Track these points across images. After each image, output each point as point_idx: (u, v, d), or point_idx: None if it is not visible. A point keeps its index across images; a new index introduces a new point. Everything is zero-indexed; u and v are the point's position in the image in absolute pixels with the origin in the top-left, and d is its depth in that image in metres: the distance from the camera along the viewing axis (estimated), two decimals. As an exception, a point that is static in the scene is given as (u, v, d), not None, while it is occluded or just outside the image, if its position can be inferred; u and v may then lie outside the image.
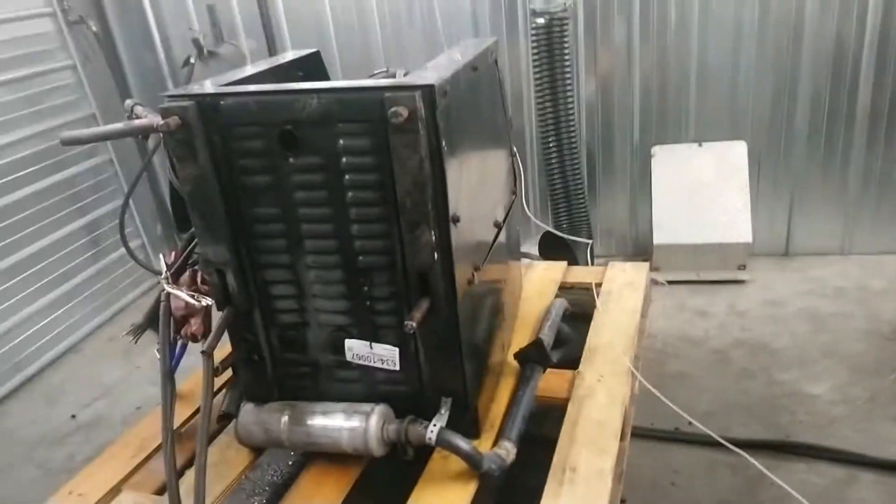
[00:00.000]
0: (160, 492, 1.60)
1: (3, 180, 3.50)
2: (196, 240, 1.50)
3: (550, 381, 1.75)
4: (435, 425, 1.44)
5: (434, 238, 1.30)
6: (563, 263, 2.37)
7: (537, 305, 2.10)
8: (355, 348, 1.48)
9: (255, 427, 1.56)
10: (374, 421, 1.46)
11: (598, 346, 1.87)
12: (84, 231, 3.99)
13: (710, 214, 3.63)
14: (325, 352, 1.52)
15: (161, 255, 1.55)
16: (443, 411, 1.48)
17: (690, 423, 2.44)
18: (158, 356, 1.50)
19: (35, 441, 3.10)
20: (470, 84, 1.46)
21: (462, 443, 1.43)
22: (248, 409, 1.58)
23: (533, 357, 1.76)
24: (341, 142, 1.30)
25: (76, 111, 3.95)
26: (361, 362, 1.49)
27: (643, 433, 2.63)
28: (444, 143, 1.26)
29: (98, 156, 4.07)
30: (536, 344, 1.75)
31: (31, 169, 3.64)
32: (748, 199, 3.60)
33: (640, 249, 4.02)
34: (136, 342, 1.63)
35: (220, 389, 1.78)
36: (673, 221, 3.66)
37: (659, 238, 3.66)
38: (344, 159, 1.31)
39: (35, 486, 2.81)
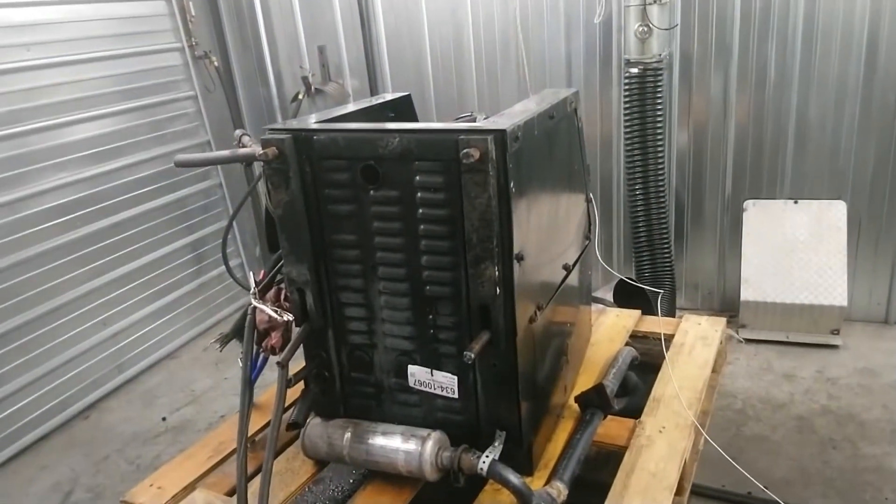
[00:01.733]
0: (230, 493, 1.71)
1: (125, 196, 3.84)
2: (282, 260, 1.62)
3: (610, 428, 1.76)
4: (487, 456, 1.48)
5: (497, 273, 1.37)
6: (637, 312, 2.37)
7: (606, 351, 2.11)
8: (417, 374, 1.55)
9: (320, 441, 1.65)
10: (429, 446, 1.52)
11: (662, 398, 1.86)
12: (190, 248, 4.30)
13: (803, 274, 3.50)
14: (390, 374, 1.60)
15: (251, 273, 1.69)
16: (496, 444, 1.52)
17: (765, 489, 2.36)
18: (241, 364, 1.62)
19: (129, 438, 3.34)
20: (545, 131, 1.53)
21: (512, 476, 1.46)
22: (314, 423, 1.68)
23: (594, 402, 1.77)
24: (417, 178, 1.40)
25: (193, 138, 4.29)
26: (422, 388, 1.56)
27: (713, 494, 2.55)
28: (512, 185, 1.33)
29: (208, 179, 4.39)
30: (598, 389, 1.76)
31: (149, 188, 3.98)
32: (845, 261, 3.45)
33: (728, 305, 3.91)
34: (221, 350, 1.78)
35: (292, 404, 1.89)
36: (763, 278, 3.55)
37: (747, 294, 3.55)
38: (419, 194, 1.41)
39: (125, 479, 3.02)
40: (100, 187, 3.73)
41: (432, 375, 1.54)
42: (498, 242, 1.35)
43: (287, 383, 1.54)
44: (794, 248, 3.54)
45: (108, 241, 3.76)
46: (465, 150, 1.28)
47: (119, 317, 3.83)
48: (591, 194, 1.98)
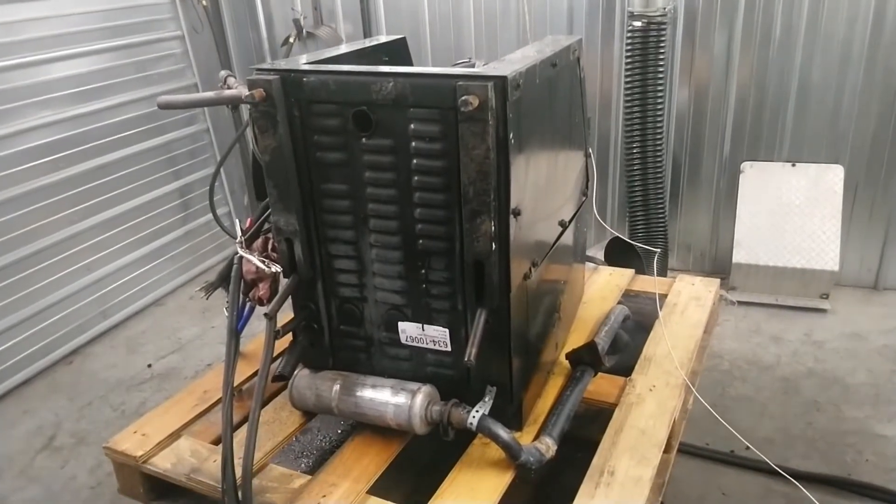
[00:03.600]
0: (216, 442, 1.69)
1: (110, 138, 3.74)
2: (270, 209, 1.57)
3: (601, 386, 1.74)
4: (477, 411, 1.47)
5: (493, 229, 1.32)
6: (630, 271, 2.34)
7: (597, 309, 2.09)
8: (409, 330, 1.52)
9: (308, 392, 1.63)
10: (419, 400, 1.50)
11: (654, 356, 1.84)
12: (177, 194, 4.22)
13: (796, 238, 3.48)
14: (380, 328, 1.57)
15: (237, 221, 1.64)
16: (486, 399, 1.50)
17: (748, 447, 2.38)
18: (227, 313, 1.59)
19: (113, 384, 3.32)
20: (547, 80, 1.47)
21: (502, 431, 1.45)
22: (303, 374, 1.65)
23: (585, 359, 1.75)
24: (412, 126, 1.34)
25: (180, 80, 4.17)
26: (414, 343, 1.54)
27: (697, 451, 2.57)
28: (511, 136, 1.28)
29: (196, 124, 4.28)
30: (589, 346, 1.74)
31: (134, 130, 3.88)
32: (839, 226, 3.44)
33: (719, 267, 3.90)
34: (206, 298, 1.73)
35: (279, 355, 1.86)
36: (756, 241, 3.53)
37: (739, 257, 3.54)
38: (413, 143, 1.35)
39: (109, 425, 3.01)
40: (84, 128, 3.63)
41: (423, 330, 1.51)
42: (495, 196, 1.30)
43: (275, 335, 1.50)
44: (789, 212, 3.51)
45: (92, 184, 3.68)
46: (463, 98, 1.22)
47: (104, 262, 3.77)
48: (590, 149, 1.93)
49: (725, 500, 2.39)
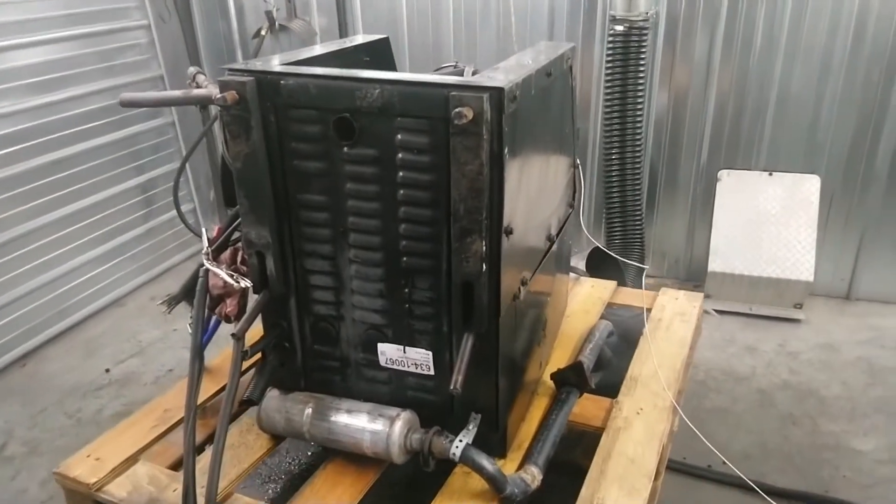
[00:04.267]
0: (176, 466, 1.58)
1: (69, 131, 3.56)
2: (240, 218, 1.46)
3: (586, 408, 1.67)
4: (461, 441, 1.38)
5: (484, 248, 1.24)
6: (613, 283, 2.28)
7: (581, 324, 2.02)
8: (388, 352, 1.43)
9: (278, 415, 1.53)
10: (398, 427, 1.41)
11: (640, 377, 1.78)
12: (139, 190, 4.05)
13: (771, 247, 3.47)
14: (357, 349, 1.47)
15: (205, 230, 1.53)
16: (470, 427, 1.42)
17: (725, 462, 2.34)
18: (190, 331, 1.47)
19: (68, 390, 3.15)
20: (541, 90, 1.39)
21: (487, 463, 1.37)
22: (272, 395, 1.55)
23: (571, 380, 1.68)
24: (399, 136, 1.24)
25: (145, 71, 4.00)
26: (394, 366, 1.44)
27: (674, 466, 2.52)
28: (506, 150, 1.19)
29: (161, 117, 4.11)
30: (576, 367, 1.67)
31: (95, 123, 3.70)
32: (815, 236, 3.43)
33: (693, 275, 3.87)
34: (169, 313, 1.62)
35: (247, 369, 1.75)
36: (731, 250, 3.51)
37: (714, 265, 3.52)
38: (400, 155, 1.26)
39: (64, 434, 2.86)
40: (42, 119, 3.43)
41: (405, 352, 1.42)
42: (487, 215, 1.22)
43: (242, 355, 1.39)
44: (765, 221, 3.50)
45: (50, 178, 3.49)
46: (456, 109, 1.13)
47: (61, 260, 3.59)
48: (577, 159, 1.85)
49: (704, 518, 2.35)
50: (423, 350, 1.40)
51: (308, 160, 1.32)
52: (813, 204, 3.45)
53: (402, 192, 1.28)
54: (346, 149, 1.28)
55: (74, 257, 3.66)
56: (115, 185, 3.87)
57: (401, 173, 1.27)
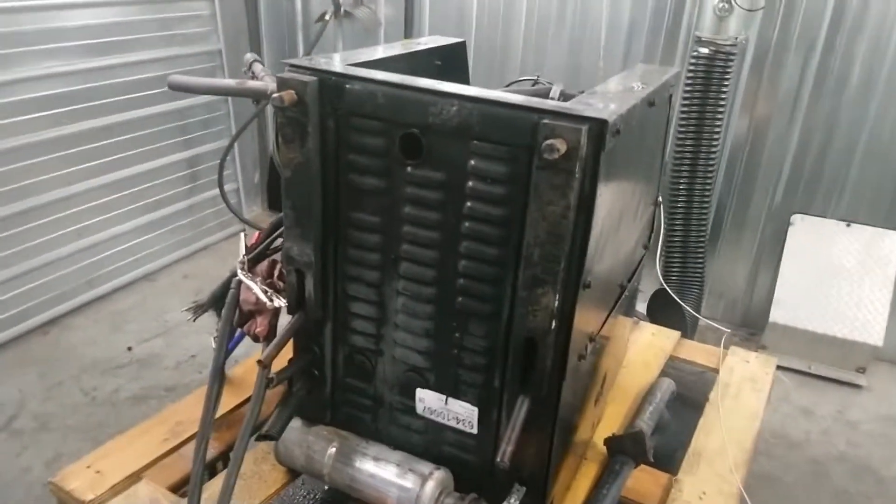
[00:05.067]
0: (181, 485, 1.44)
1: (119, 98, 3.46)
2: (282, 228, 1.30)
3: (640, 481, 1.48)
4: (500, 514, 1.20)
5: (556, 303, 1.05)
6: (676, 334, 2.08)
7: (640, 378, 1.82)
8: (427, 400, 1.26)
9: (298, 449, 1.37)
10: (430, 488, 1.24)
11: (704, 451, 1.58)
12: (185, 164, 3.95)
13: (840, 304, 3.21)
14: (393, 390, 1.31)
15: (243, 235, 1.37)
16: (513, 500, 1.24)
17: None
18: (214, 346, 1.32)
19: (88, 364, 3.06)
20: (640, 122, 1.20)
21: (527, 546, 1.19)
22: (294, 426, 1.39)
23: (627, 449, 1.49)
24: (472, 162, 1.07)
25: (204, 43, 3.89)
26: (431, 417, 1.27)
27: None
28: (599, 193, 1.01)
29: (214, 93, 3.99)
30: (636, 436, 1.47)
31: (147, 92, 3.59)
32: (890, 297, 3.16)
33: (749, 322, 3.62)
34: (194, 321, 1.47)
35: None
36: (796, 301, 3.25)
37: (776, 316, 3.27)
38: (470, 183, 1.08)
39: (76, 411, 2.76)
40: (93, 83, 3.34)
41: (446, 404, 1.24)
42: (566, 265, 1.03)
43: (266, 384, 1.23)
44: (836, 275, 3.24)
45: (95, 144, 3.39)
46: (548, 141, 0.95)
47: (97, 228, 3.50)
48: (660, 197, 1.66)
49: None
50: (468, 404, 1.23)
51: (366, 176, 1.15)
52: (892, 263, 3.18)
53: (467, 224, 1.11)
54: (409, 168, 1.11)
55: (111, 227, 3.57)
56: (160, 157, 3.77)
57: (469, 203, 1.09)
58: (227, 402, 1.61)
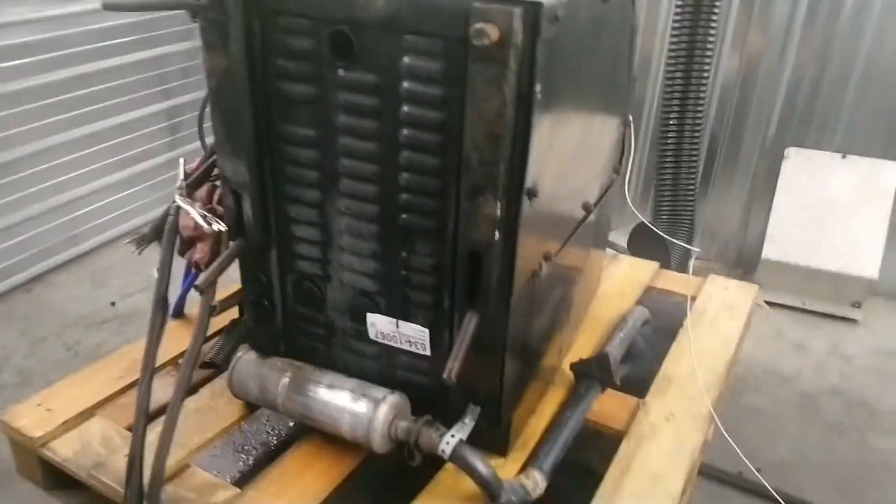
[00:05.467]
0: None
1: (92, 46, 3.35)
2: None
3: (607, 405, 1.44)
4: (453, 436, 1.16)
5: (499, 212, 0.99)
6: (654, 265, 2.01)
7: (614, 307, 1.76)
8: (378, 324, 1.20)
9: (252, 382, 1.32)
10: (382, 412, 1.19)
11: (675, 376, 1.53)
12: (164, 115, 3.85)
13: (835, 238, 3.13)
14: (344, 316, 1.25)
15: (182, 160, 1.31)
16: (466, 420, 1.19)
17: (759, 471, 2.09)
18: (155, 276, 1.27)
19: (72, 320, 3.03)
20: (593, 18, 1.12)
21: (480, 465, 1.14)
22: (248, 358, 1.34)
23: (594, 373, 1.44)
24: (406, 59, 0.99)
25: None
26: (385, 341, 1.22)
27: (700, 469, 2.28)
28: (538, 88, 0.93)
29: (191, 40, 3.88)
30: (600, 359, 1.42)
31: (123, 39, 3.48)
32: (886, 230, 3.08)
33: (743, 261, 3.55)
34: (139, 254, 1.41)
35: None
36: (790, 237, 3.18)
37: (769, 252, 3.20)
38: (405, 84, 1.01)
39: (60, 366, 2.73)
40: (65, 30, 3.22)
41: (398, 327, 1.19)
42: (506, 169, 0.97)
43: (210, 311, 1.18)
44: (831, 208, 3.15)
45: (70, 94, 3.29)
46: (477, 26, 0.87)
47: (77, 182, 3.43)
48: (630, 116, 1.57)
49: (730, 532, 2.12)
50: (419, 326, 1.18)
51: (296, 83, 1.07)
52: (888, 194, 3.09)
53: (405, 131, 1.04)
54: (341, 71, 1.04)
55: (91, 181, 3.50)
56: (139, 107, 3.67)
57: (405, 107, 1.02)
58: (181, 343, 1.56)
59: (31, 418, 1.34)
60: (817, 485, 2.30)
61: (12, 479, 1.49)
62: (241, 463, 1.44)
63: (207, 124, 3.47)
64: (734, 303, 1.82)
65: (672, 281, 1.95)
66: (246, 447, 1.48)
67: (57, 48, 3.19)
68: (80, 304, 3.14)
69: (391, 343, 1.22)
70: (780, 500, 1.78)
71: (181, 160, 1.30)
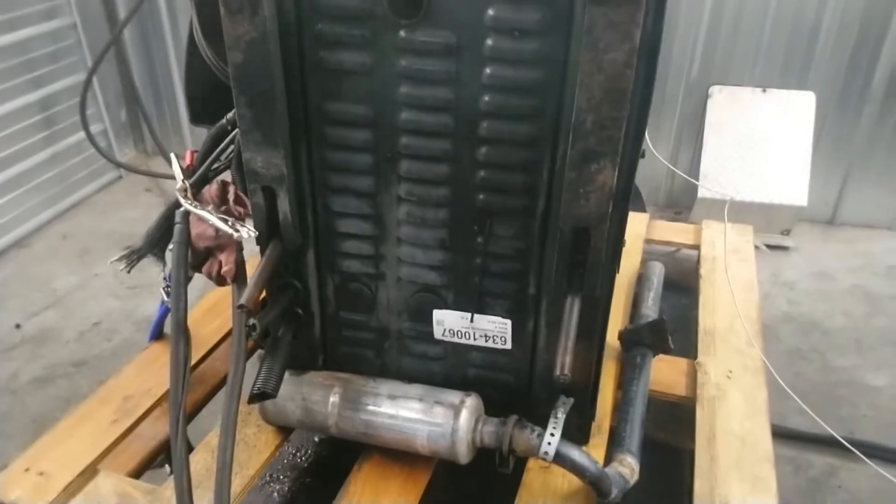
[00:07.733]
0: (142, 470, 1.19)
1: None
2: (231, 137, 1.02)
3: (663, 372, 1.37)
4: (552, 434, 1.04)
5: (615, 180, 0.86)
6: (645, 216, 1.97)
7: (626, 265, 1.69)
8: (447, 321, 1.05)
9: (291, 403, 1.14)
10: (465, 418, 1.05)
11: (715, 330, 1.48)
12: (37, 107, 3.37)
13: (764, 170, 3.24)
14: (401, 317, 1.09)
15: (174, 156, 1.07)
16: (559, 415, 1.07)
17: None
18: (167, 299, 1.04)
19: (-29, 351, 2.61)
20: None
21: (588, 463, 1.04)
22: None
23: (646, 340, 1.36)
24: (491, 11, 0.83)
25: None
26: (453, 339, 1.07)
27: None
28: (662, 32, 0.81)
29: (59, 18, 3.40)
30: (655, 325, 1.35)
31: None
32: (809, 157, 3.22)
33: (674, 201, 3.62)
34: (128, 271, 1.16)
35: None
36: (722, 174, 3.26)
37: (704, 191, 3.26)
38: (490, 41, 0.84)
39: (-30, 407, 2.35)
40: None
41: (472, 322, 1.04)
42: (626, 130, 0.84)
43: (248, 331, 0.98)
44: (758, 142, 3.25)
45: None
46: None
47: (-56, 193, 2.95)
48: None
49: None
50: (500, 318, 1.04)
51: (343, 50, 0.88)
52: (808, 123, 3.22)
53: (487, 98, 0.88)
54: (403, 32, 0.86)
55: (-36, 190, 3.02)
56: (6, 101, 3.18)
57: (488, 69, 0.86)
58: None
59: (24, 488, 1.09)
60: (796, 411, 2.35)
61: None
62: (275, 494, 1.26)
63: (90, 111, 3.04)
64: (738, 246, 1.80)
65: (668, 231, 1.91)
66: (275, 475, 1.30)
67: None
68: (-22, 333, 2.71)
69: (462, 340, 1.08)
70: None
71: (173, 155, 1.06)
